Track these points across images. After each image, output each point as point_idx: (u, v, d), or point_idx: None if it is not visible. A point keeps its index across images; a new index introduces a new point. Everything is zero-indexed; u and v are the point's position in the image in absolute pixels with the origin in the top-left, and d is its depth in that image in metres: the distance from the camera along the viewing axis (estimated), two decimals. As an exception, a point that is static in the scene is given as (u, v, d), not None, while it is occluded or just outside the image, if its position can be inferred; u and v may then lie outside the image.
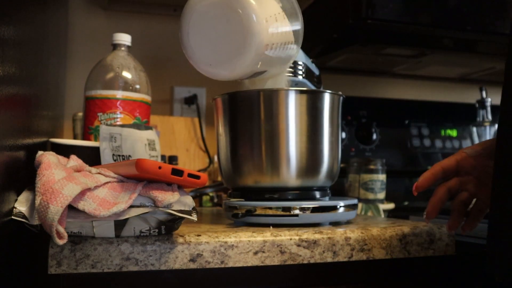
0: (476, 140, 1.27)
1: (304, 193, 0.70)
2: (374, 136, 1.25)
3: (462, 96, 1.54)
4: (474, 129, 1.26)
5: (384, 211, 1.04)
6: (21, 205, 0.53)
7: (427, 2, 0.99)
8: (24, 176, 0.59)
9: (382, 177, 1.07)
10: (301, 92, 0.70)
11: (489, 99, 1.26)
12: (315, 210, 0.67)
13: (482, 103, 1.26)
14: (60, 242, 0.47)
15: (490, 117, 1.25)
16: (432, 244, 0.67)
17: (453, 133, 1.35)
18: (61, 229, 0.47)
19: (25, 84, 0.58)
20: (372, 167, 1.07)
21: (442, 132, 1.34)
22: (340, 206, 0.69)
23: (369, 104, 1.29)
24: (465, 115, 1.37)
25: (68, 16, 1.23)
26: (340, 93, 0.74)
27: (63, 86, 1.16)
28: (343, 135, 1.23)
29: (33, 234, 0.54)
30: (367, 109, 1.28)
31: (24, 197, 0.54)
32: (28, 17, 0.60)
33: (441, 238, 0.68)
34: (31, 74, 0.63)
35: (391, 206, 1.07)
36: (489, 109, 1.26)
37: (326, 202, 0.69)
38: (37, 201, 0.48)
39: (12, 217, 0.51)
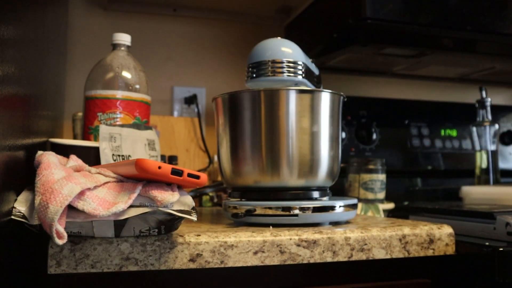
0: (476, 140, 1.27)
1: (304, 193, 0.70)
2: (374, 136, 1.25)
3: (462, 96, 1.54)
4: (474, 129, 1.26)
5: (384, 211, 1.04)
6: (20, 205, 0.52)
7: (427, 2, 0.98)
8: (24, 176, 0.59)
9: (382, 177, 1.07)
10: (301, 92, 0.70)
11: (488, 99, 1.25)
12: (315, 210, 0.67)
13: (482, 103, 1.26)
14: (60, 242, 0.47)
15: (489, 117, 1.25)
16: (432, 244, 0.67)
17: (453, 133, 1.35)
18: (61, 229, 0.47)
19: (25, 84, 0.58)
20: (372, 167, 1.07)
21: (442, 132, 1.35)
22: (340, 206, 0.69)
23: (369, 104, 1.29)
24: (465, 115, 1.37)
25: (68, 16, 1.23)
26: (341, 93, 0.74)
27: (63, 86, 1.15)
28: (343, 135, 1.23)
29: (33, 234, 0.54)
30: (367, 109, 1.28)
31: (23, 197, 0.54)
32: (28, 17, 0.60)
33: (441, 238, 0.68)
34: (31, 74, 0.63)
35: (391, 206, 1.07)
36: (488, 109, 1.25)
37: (326, 202, 0.69)
38: (37, 201, 0.48)
39: (12, 217, 0.51)
